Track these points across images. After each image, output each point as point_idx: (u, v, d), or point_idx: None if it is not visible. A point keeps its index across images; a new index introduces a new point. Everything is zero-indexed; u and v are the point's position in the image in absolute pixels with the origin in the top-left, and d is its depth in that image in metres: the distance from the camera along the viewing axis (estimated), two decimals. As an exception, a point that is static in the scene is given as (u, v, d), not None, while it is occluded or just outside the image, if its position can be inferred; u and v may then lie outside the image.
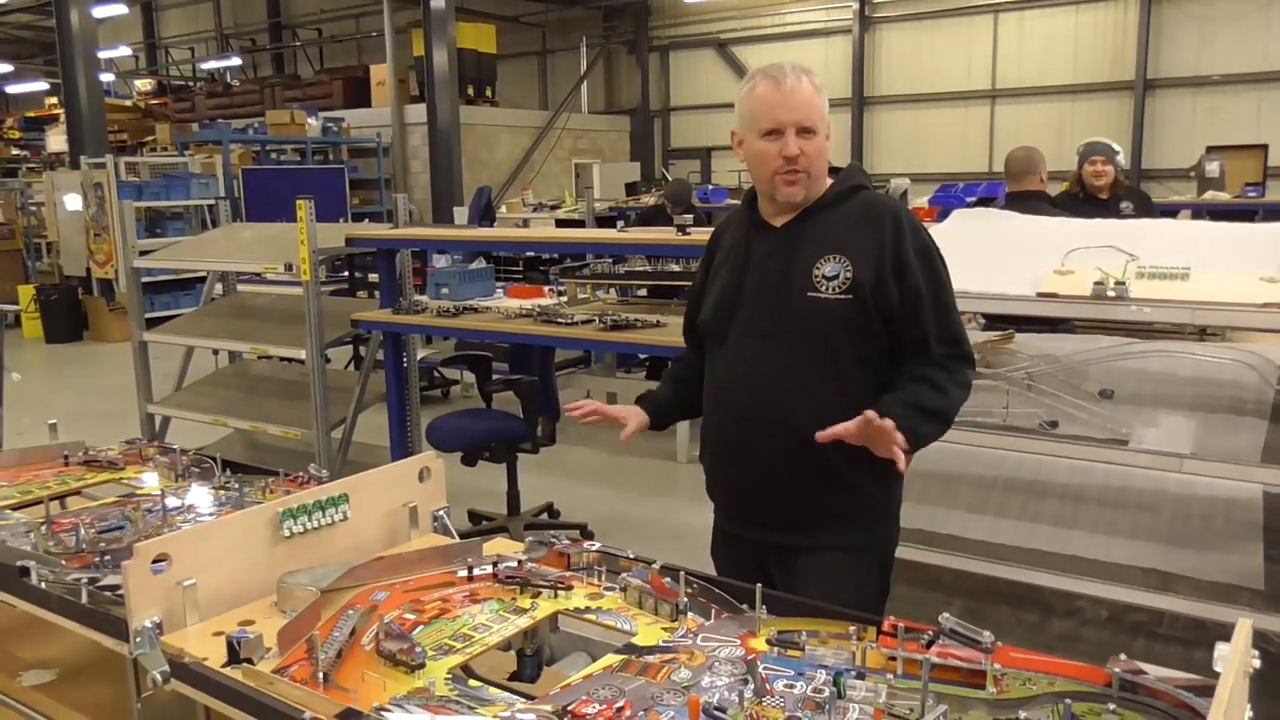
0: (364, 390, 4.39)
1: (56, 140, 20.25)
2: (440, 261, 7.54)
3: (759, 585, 1.29)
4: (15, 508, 1.84)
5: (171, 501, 1.78)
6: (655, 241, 4.07)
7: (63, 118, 20.71)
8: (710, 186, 11.26)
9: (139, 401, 4.98)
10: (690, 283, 2.38)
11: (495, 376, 4.34)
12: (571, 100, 19.85)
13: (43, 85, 29.16)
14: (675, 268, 6.04)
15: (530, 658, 1.40)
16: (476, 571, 1.46)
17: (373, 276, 7.72)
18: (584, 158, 19.43)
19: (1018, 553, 2.90)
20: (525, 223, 10.29)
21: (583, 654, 1.33)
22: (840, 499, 2.00)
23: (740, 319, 2.03)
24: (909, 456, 1.84)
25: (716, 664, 1.15)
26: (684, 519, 5.09)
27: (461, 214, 12.15)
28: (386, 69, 16.57)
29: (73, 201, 11.36)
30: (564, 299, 5.48)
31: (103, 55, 26.84)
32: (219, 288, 5.39)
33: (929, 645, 1.13)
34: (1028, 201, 4.12)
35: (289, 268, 4.15)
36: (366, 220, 15.45)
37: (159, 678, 1.24)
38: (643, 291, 6.26)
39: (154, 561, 1.29)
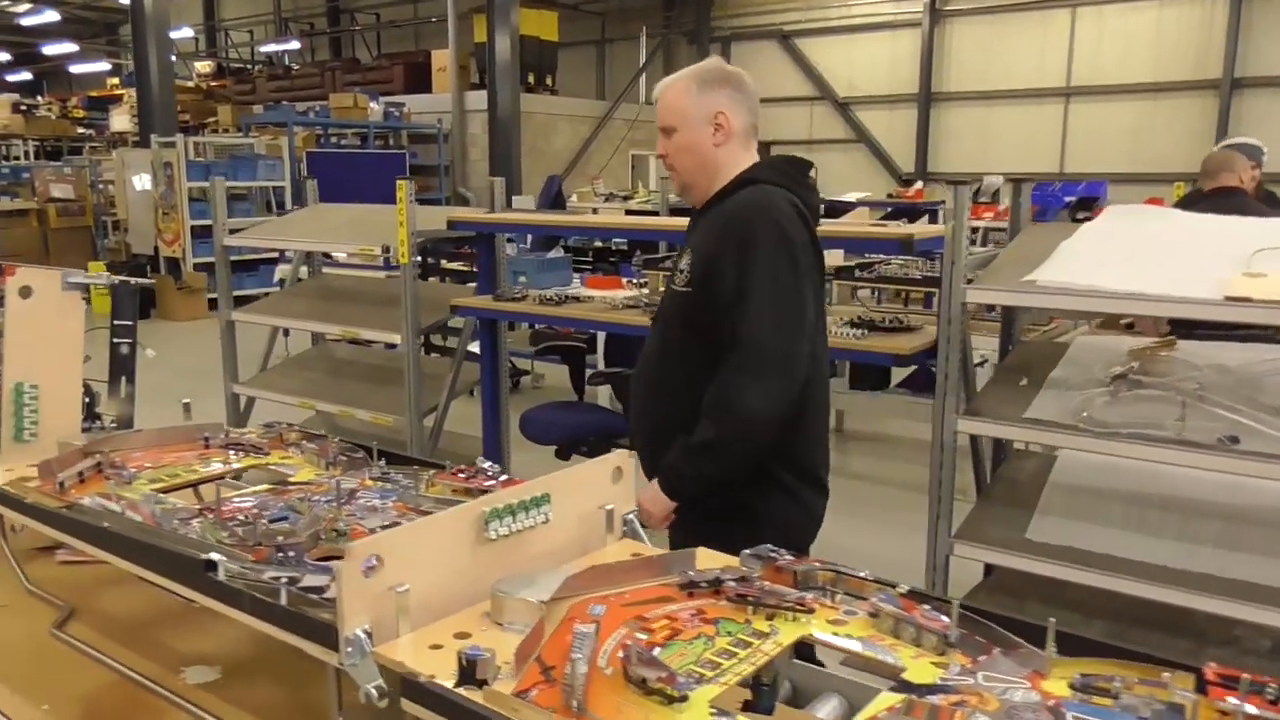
0: (457, 377, 4.28)
1: (120, 120, 20.50)
2: (508, 250, 7.44)
3: (1052, 620, 1.10)
4: (164, 491, 1.71)
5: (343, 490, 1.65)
6: (845, 235, 3.71)
7: (126, 97, 21.05)
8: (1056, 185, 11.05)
9: (224, 382, 4.91)
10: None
11: (594, 370, 4.21)
12: (630, 90, 19.70)
13: (105, 66, 29.63)
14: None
15: (768, 688, 1.23)
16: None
17: (445, 263, 7.65)
18: (641, 149, 19.27)
19: (1167, 573, 2.70)
20: (595, 212, 10.16)
21: (837, 695, 1.17)
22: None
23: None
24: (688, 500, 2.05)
25: (1014, 709, 0.99)
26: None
27: (521, 203, 12.08)
28: (448, 54, 16.52)
29: (142, 180, 11.43)
30: (645, 290, 5.35)
31: (165, 37, 27.17)
32: (303, 270, 5.31)
33: (1275, 702, 0.95)
34: (1231, 198, 3.84)
35: (386, 250, 4.04)
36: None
37: (374, 693, 1.11)
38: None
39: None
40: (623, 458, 1.61)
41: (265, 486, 1.73)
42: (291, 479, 1.78)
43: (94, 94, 25.08)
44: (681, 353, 2.06)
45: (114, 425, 2.20)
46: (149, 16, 11.52)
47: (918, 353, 3.01)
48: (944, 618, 1.16)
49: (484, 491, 1.45)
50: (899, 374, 5.46)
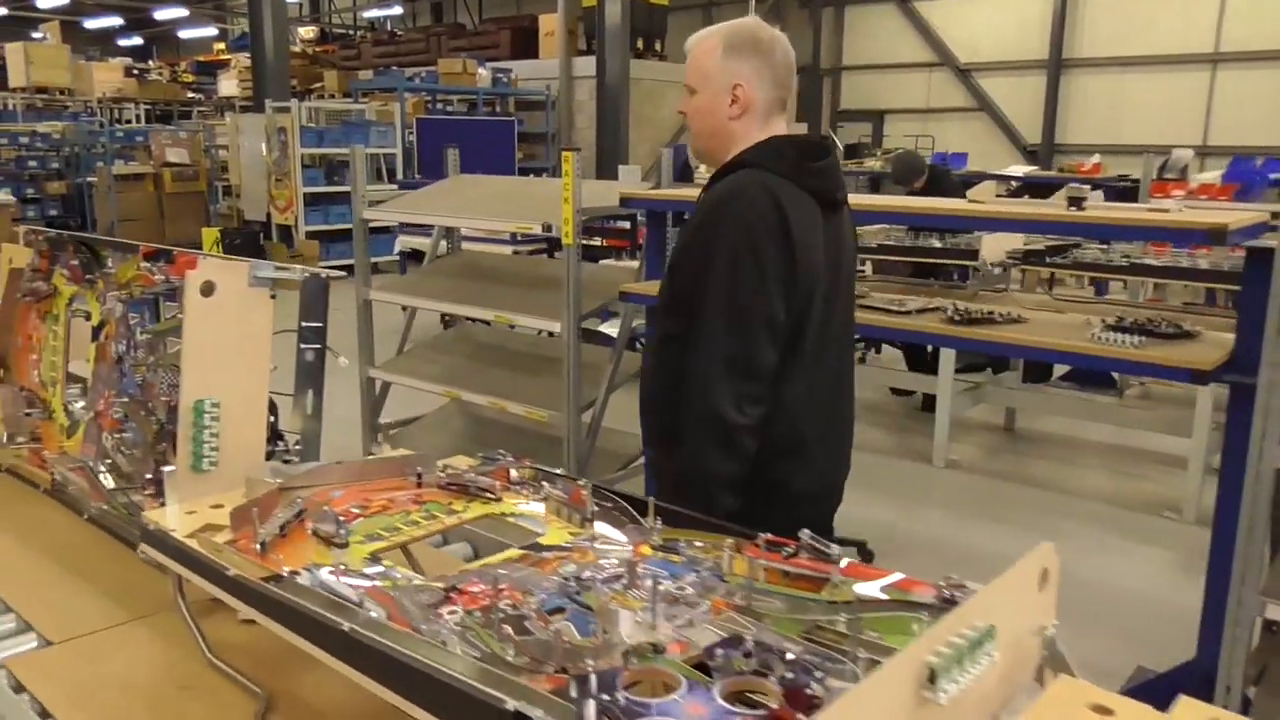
0: (617, 369, 3.88)
1: (229, 84, 20.67)
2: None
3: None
4: (382, 551, 1.28)
5: (613, 564, 1.20)
6: (1128, 222, 2.92)
7: (235, 62, 21.19)
8: (947, 152, 10.30)
9: (359, 365, 4.60)
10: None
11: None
12: (738, 56, 19.01)
13: (212, 30, 30.06)
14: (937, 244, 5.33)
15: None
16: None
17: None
18: (749, 117, 18.64)
19: None
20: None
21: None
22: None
23: None
24: None
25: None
26: (936, 530, 4.46)
27: (628, 173, 11.62)
28: (556, 19, 16.08)
29: (255, 145, 11.31)
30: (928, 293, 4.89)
31: None
32: (442, 244, 4.96)
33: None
34: None
35: (547, 228, 3.63)
36: (530, 175, 15.15)
37: None
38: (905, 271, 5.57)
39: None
40: (1049, 554, 1.15)
41: (515, 552, 1.31)
42: (540, 540, 1.38)
43: (202, 59, 25.41)
44: (659, 344, 2.02)
45: (298, 448, 1.82)
46: (264, -21, 11.34)
47: (1218, 368, 2.47)
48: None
49: (821, 579, 1.06)
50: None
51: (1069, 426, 5.70)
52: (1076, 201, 2.72)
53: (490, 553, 1.39)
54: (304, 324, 1.84)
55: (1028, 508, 4.72)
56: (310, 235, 11.08)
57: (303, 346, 1.91)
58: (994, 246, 4.96)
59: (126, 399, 1.77)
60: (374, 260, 12.09)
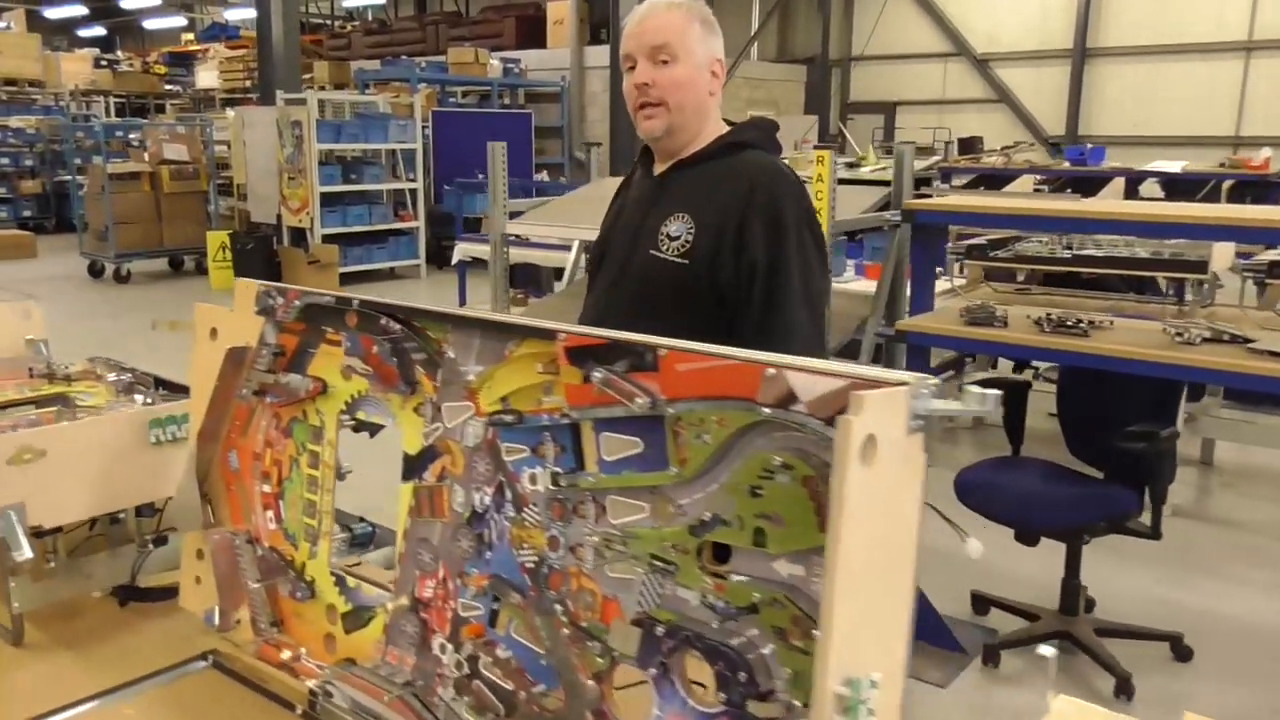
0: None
1: (207, 76, 19.57)
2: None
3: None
4: None
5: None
6: None
7: (213, 52, 20.08)
8: (1088, 145, 9.64)
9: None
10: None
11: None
12: (745, 46, 18.31)
13: (180, 21, 28.72)
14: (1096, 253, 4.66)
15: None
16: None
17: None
18: (759, 109, 17.93)
19: None
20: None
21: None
22: None
23: (603, 264, 1.98)
24: None
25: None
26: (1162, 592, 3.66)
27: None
28: (567, 7, 15.26)
29: (265, 141, 10.38)
30: (958, 287, 4.19)
31: (243, -10, 26.19)
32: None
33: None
34: None
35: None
36: (545, 172, 14.33)
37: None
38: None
39: None
40: None
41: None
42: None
43: (172, 50, 24.18)
44: (668, 322, 1.61)
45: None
46: (270, -40, 10.41)
47: None
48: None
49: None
50: None
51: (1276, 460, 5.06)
52: None
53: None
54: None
55: (1245, 558, 4.06)
56: (327, 239, 10.20)
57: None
58: (1224, 255, 4.31)
59: (512, 594, 1.02)
60: (393, 265, 11.27)
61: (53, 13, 26.00)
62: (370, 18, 24.42)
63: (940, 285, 4.29)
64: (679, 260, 1.78)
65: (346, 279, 10.28)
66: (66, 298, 9.95)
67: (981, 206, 2.84)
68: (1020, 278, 5.35)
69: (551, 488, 0.99)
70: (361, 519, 1.68)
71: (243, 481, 1.36)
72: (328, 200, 10.25)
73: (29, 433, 1.40)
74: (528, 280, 6.48)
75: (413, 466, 1.13)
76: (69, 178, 15.07)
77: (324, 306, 1.23)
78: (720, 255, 1.75)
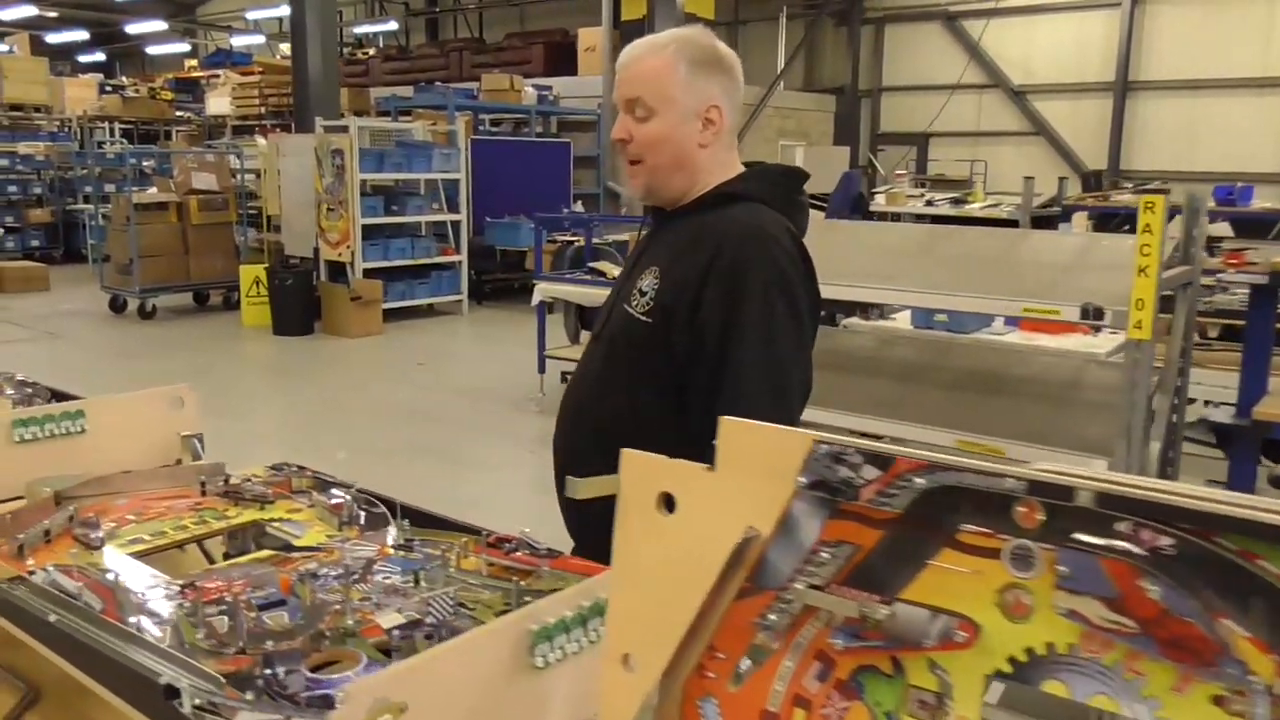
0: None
1: (219, 103, 19.01)
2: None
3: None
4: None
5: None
6: None
7: (225, 78, 19.55)
8: (1237, 184, 9.14)
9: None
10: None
11: None
12: (771, 76, 17.91)
13: (183, 47, 28.24)
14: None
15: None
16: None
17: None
18: (790, 139, 17.53)
19: None
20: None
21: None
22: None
23: (600, 314, 1.97)
24: None
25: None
26: None
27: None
28: (599, 33, 14.78)
29: (301, 170, 9.82)
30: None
31: (250, 15, 25.73)
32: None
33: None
34: None
35: (1092, 315, 2.35)
36: (580, 203, 13.82)
37: None
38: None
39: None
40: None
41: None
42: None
43: (177, 75, 23.65)
44: (628, 382, 1.73)
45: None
46: (308, -19, 9.89)
47: None
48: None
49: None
50: None
51: None
52: None
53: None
54: None
55: None
56: (369, 273, 9.62)
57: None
58: None
59: None
60: (431, 301, 10.67)
61: (54, 38, 25.48)
62: (382, 44, 24.00)
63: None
64: (643, 318, 1.70)
65: (389, 315, 9.70)
66: (90, 336, 9.32)
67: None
68: None
69: None
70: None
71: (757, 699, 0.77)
72: (368, 233, 9.68)
73: (380, 678, 0.83)
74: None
75: None
76: (79, 207, 14.49)
77: (978, 493, 0.64)
78: (677, 315, 1.66)
